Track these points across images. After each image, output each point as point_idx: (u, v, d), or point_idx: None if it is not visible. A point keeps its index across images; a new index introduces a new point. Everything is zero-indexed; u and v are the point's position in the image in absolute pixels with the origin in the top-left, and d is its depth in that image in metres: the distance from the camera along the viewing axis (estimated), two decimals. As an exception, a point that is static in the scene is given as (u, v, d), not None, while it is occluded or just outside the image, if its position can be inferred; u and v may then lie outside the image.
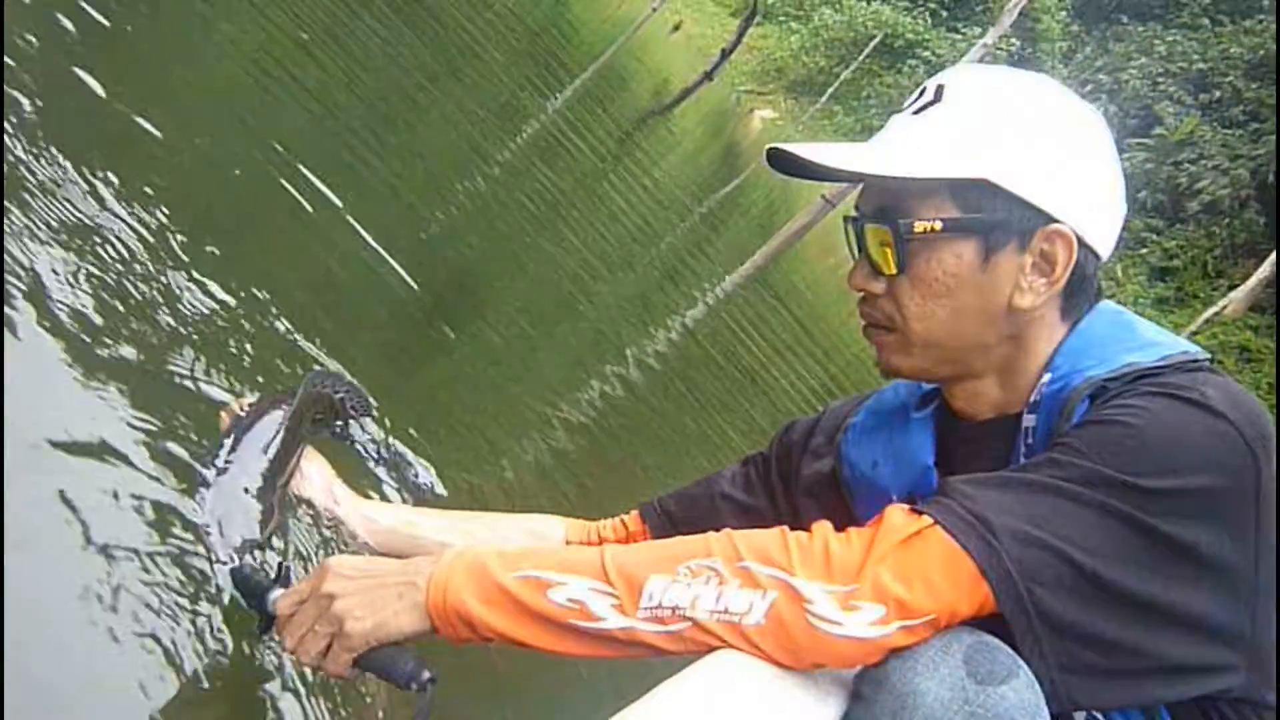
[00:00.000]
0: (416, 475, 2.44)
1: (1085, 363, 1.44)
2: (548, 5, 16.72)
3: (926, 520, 1.29)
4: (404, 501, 2.33)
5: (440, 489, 2.46)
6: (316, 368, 2.44)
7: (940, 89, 1.52)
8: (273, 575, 1.52)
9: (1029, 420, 1.47)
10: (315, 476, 1.96)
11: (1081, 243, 1.47)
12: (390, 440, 2.43)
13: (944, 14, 31.69)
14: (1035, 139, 1.46)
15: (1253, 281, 19.17)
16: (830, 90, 28.93)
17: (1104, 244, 1.51)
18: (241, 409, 1.96)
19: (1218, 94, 28.54)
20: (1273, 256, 19.09)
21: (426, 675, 1.36)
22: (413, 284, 3.70)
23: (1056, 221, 1.46)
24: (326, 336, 2.72)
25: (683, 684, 1.26)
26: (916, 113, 1.52)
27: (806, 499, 1.82)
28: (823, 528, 1.33)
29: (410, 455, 2.47)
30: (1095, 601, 1.28)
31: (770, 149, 1.53)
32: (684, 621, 1.28)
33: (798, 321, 9.82)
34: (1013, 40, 29.10)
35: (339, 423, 2.29)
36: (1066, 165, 1.47)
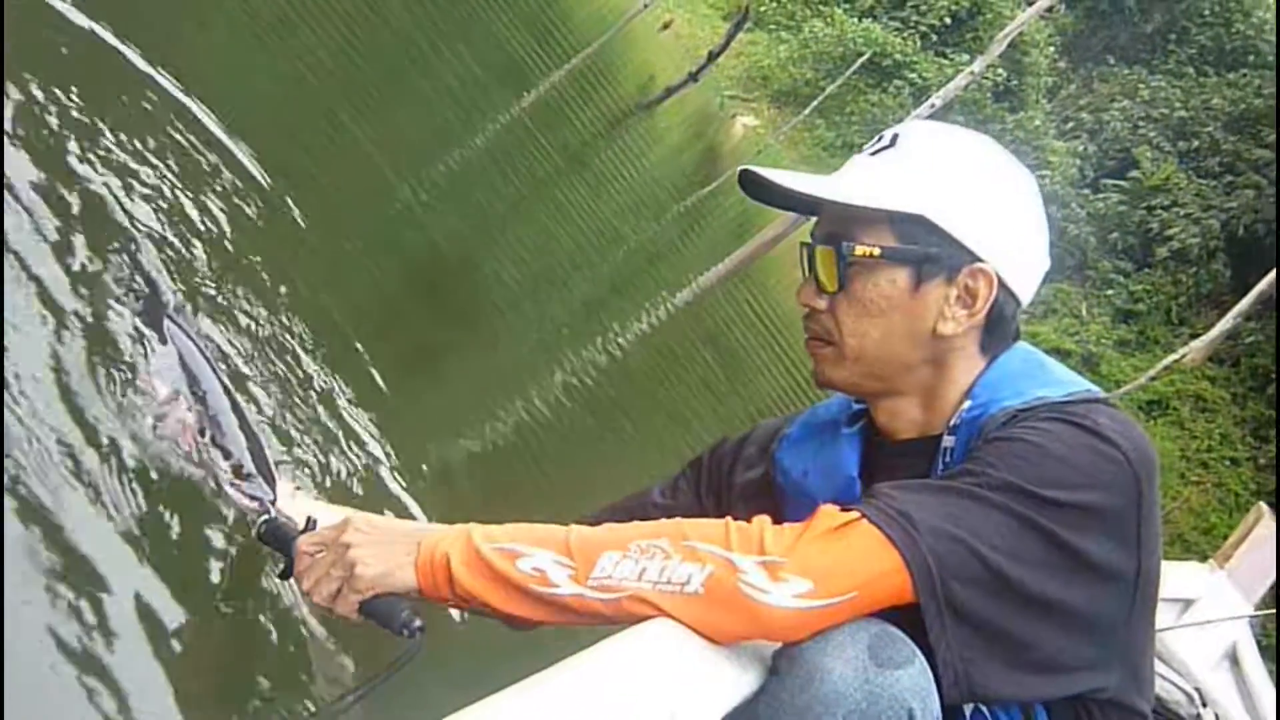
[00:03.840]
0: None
1: (1001, 394, 1.63)
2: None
3: (855, 514, 1.47)
4: None
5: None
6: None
7: (895, 137, 1.72)
8: (301, 527, 1.72)
9: (948, 441, 1.66)
10: None
11: (1002, 284, 1.66)
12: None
13: (934, 38, 31.65)
14: (971, 187, 1.66)
15: (1214, 332, 19.24)
16: (814, 103, 28.78)
17: (1024, 289, 1.71)
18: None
19: (1196, 143, 28.77)
20: (1235, 309, 19.20)
21: (417, 624, 1.54)
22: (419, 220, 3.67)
23: (981, 261, 1.65)
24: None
25: (612, 647, 1.35)
26: (873, 154, 1.72)
27: (740, 504, 1.95)
28: (761, 519, 1.50)
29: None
30: (998, 595, 1.45)
31: (742, 170, 1.73)
32: (626, 592, 1.44)
33: (770, 326, 9.78)
34: (999, 70, 29.12)
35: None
36: (996, 214, 1.67)
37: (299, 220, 3.17)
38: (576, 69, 14.74)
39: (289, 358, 2.50)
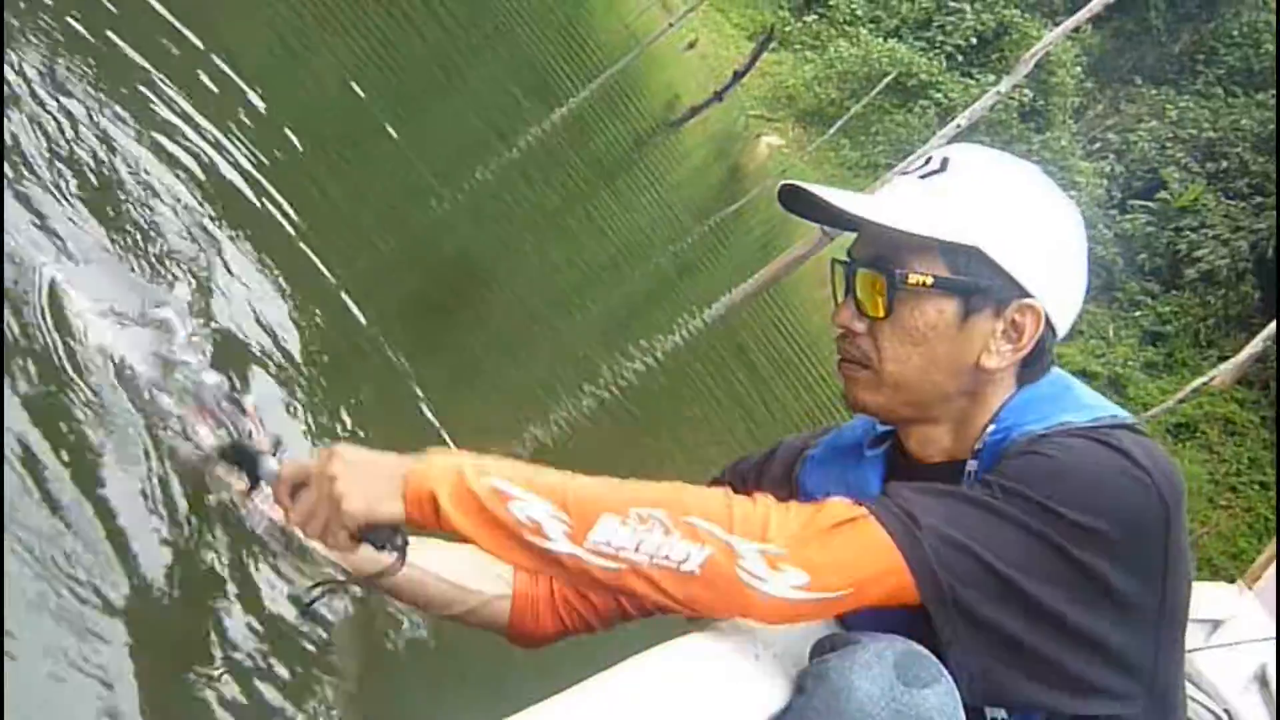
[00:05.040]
0: None
1: (1026, 418, 1.63)
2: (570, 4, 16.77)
3: (862, 510, 1.48)
4: None
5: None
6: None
7: (946, 160, 1.69)
8: (269, 447, 1.72)
9: (972, 465, 1.66)
10: None
11: (1047, 320, 1.66)
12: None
13: (960, 58, 31.63)
14: (1025, 221, 1.65)
15: (1243, 355, 18.90)
16: (839, 123, 28.77)
17: (1064, 324, 1.70)
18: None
19: (1224, 164, 28.56)
20: (1265, 331, 19.00)
21: (400, 540, 1.59)
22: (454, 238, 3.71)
23: (1030, 297, 1.64)
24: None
25: (640, 665, 1.35)
26: (922, 178, 1.69)
27: None
28: (766, 497, 1.50)
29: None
30: (1009, 606, 1.45)
31: (784, 185, 1.70)
32: (624, 562, 1.44)
33: (797, 342, 9.79)
34: (1026, 90, 29.01)
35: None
36: (1047, 250, 1.67)
37: (335, 228, 3.20)
38: (603, 86, 14.81)
39: (321, 355, 2.52)
